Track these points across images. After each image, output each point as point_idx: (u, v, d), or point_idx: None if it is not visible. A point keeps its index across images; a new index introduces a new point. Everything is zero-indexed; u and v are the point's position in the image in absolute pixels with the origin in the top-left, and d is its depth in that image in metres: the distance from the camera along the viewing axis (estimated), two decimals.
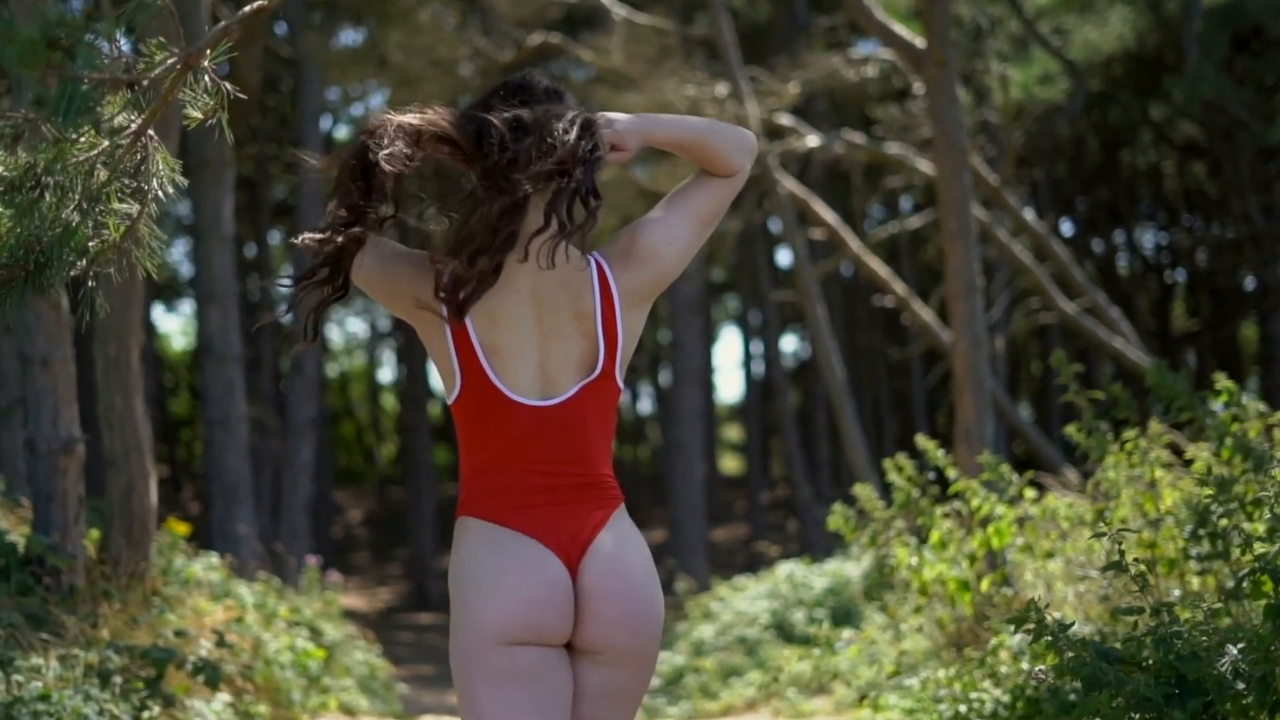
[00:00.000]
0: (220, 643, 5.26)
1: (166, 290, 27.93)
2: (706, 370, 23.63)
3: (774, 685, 5.58)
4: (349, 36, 18.22)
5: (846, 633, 5.35)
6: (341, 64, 15.41)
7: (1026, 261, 12.11)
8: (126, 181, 2.12)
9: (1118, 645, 4.44)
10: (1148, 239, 26.73)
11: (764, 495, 24.72)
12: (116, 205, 2.15)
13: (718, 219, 2.80)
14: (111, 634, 4.87)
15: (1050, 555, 4.77)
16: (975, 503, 5.11)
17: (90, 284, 2.29)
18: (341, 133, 29.20)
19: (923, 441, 5.47)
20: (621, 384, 2.71)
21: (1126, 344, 12.07)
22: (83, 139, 2.05)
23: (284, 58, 20.74)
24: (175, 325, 35.45)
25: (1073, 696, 3.53)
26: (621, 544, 2.60)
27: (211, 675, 4.78)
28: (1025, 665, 4.37)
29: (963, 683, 4.70)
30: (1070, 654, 3.13)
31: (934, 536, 5.00)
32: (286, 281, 2.54)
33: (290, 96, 22.76)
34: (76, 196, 2.05)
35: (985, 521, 5.07)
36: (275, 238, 25.93)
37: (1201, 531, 3.92)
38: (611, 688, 2.60)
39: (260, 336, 22.17)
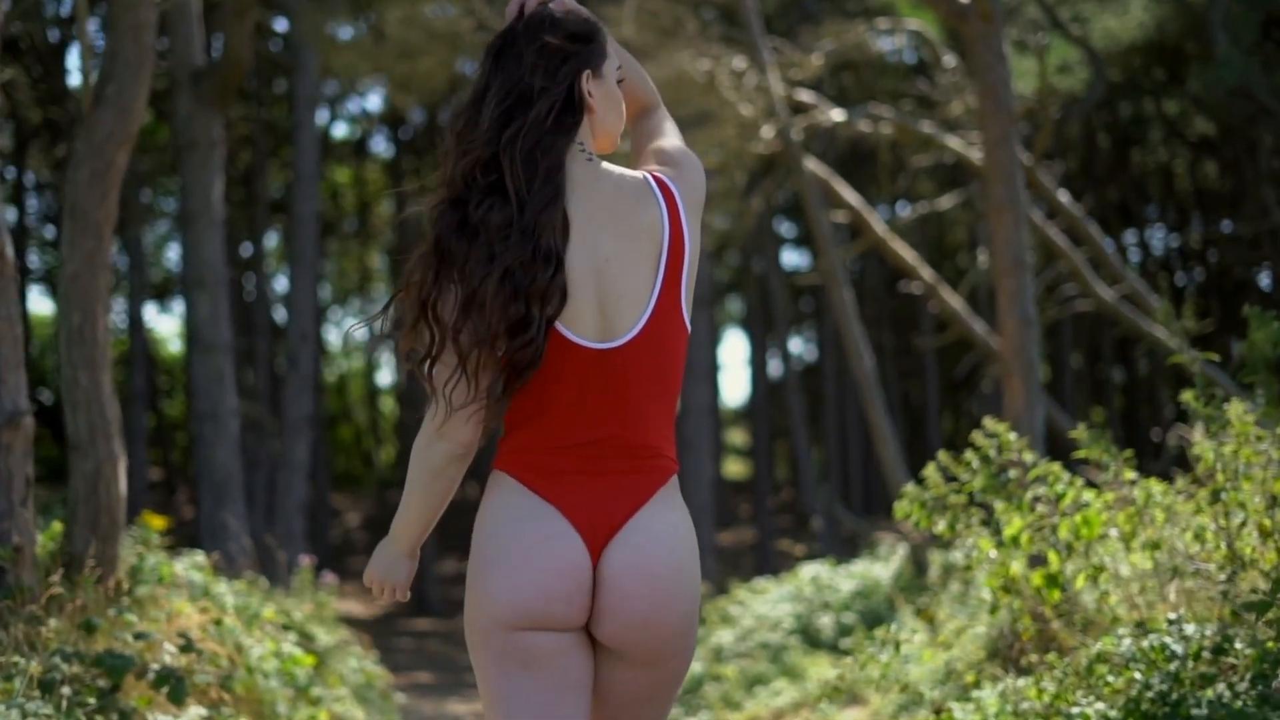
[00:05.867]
0: (186, 648, 4.55)
1: (159, 287, 27.31)
2: (713, 369, 23.02)
3: (837, 686, 4.89)
4: (347, 32, 17.67)
5: (919, 636, 4.69)
6: (339, 48, 14.78)
7: (1062, 245, 11.44)
8: None
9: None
10: (1157, 239, 26.27)
11: (769, 499, 24.11)
12: None
13: None
14: (62, 639, 4.20)
15: (1156, 546, 4.09)
16: (1059, 487, 4.44)
17: None
18: (340, 129, 28.82)
19: (992, 424, 4.78)
20: (689, 322, 2.46)
21: (1167, 332, 11.39)
22: None
23: (274, 58, 20.18)
24: (171, 326, 34.70)
25: None
26: (655, 531, 2.39)
27: (176, 687, 4.09)
28: (1138, 675, 3.70)
29: (1052, 694, 4.03)
30: None
31: (1014, 525, 4.32)
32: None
33: (286, 94, 22.16)
34: None
35: (1072, 509, 4.40)
36: (272, 237, 25.32)
37: None
38: (637, 689, 2.43)
39: (252, 327, 21.52)
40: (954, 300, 11.30)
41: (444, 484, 2.44)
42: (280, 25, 19.77)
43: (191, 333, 11.69)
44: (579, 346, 2.37)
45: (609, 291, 2.38)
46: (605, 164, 2.48)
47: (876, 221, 11.66)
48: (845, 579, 10.21)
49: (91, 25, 17.64)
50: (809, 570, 10.71)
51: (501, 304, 2.32)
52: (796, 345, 31.63)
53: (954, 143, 11.35)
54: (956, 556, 9.19)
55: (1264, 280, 23.62)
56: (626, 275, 2.39)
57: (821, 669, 8.50)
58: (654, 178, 2.49)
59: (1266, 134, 19.67)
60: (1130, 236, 25.15)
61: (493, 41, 2.52)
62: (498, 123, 2.40)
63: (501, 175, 2.38)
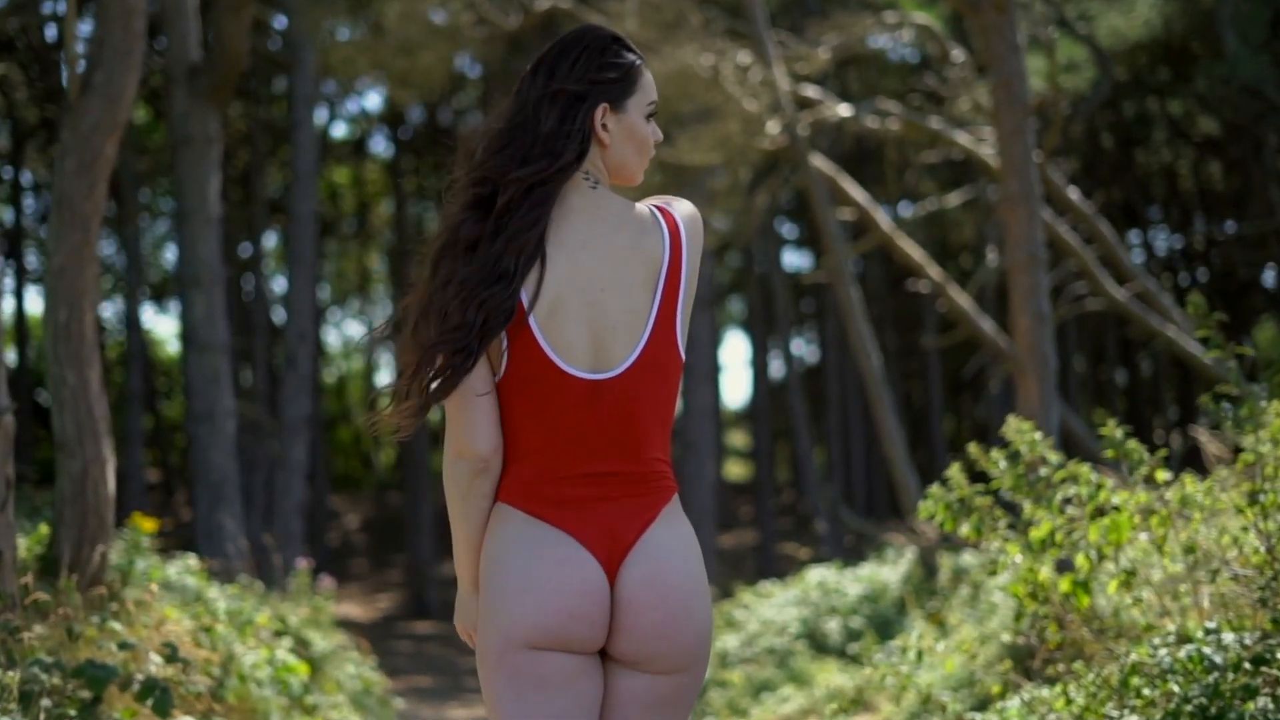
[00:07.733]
0: (172, 657, 4.35)
1: (157, 287, 27.11)
2: (715, 370, 22.82)
3: (854, 699, 4.70)
4: (346, 33, 17.53)
5: (941, 644, 4.50)
6: (337, 43, 14.60)
7: (1073, 243, 11.25)
8: None
9: None
10: (1161, 239, 26.11)
11: (771, 501, 23.92)
12: None
13: None
14: (43, 648, 4.00)
15: (1191, 550, 3.91)
16: (1085, 489, 4.24)
17: None
18: (339, 129, 28.60)
19: (1014, 423, 4.57)
20: (683, 352, 2.48)
21: (1180, 332, 11.21)
22: None
23: (273, 56, 20.00)
24: (169, 327, 34.49)
25: None
26: (665, 548, 2.43)
27: (161, 698, 3.90)
28: (1175, 687, 3.51)
29: (1081, 705, 3.84)
30: None
31: (1044, 526, 4.13)
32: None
33: (285, 93, 21.97)
34: None
35: (1100, 511, 4.20)
36: (270, 237, 25.14)
37: None
38: (653, 696, 2.43)
39: (251, 327, 21.33)
40: (962, 299, 11.11)
41: (476, 503, 2.44)
42: (279, 22, 19.59)
43: (188, 332, 11.50)
44: (573, 378, 2.38)
45: (604, 322, 2.38)
46: (609, 193, 2.48)
47: (883, 219, 11.47)
48: (852, 582, 10.01)
49: (86, 27, 17.48)
50: (815, 574, 10.51)
51: (455, 313, 2.35)
52: (798, 346, 31.44)
53: (963, 138, 11.16)
54: (967, 559, 8.99)
55: (1269, 280, 23.44)
56: (622, 305, 2.39)
57: (829, 675, 8.30)
58: (657, 208, 2.50)
59: (1273, 133, 19.52)
60: (1134, 237, 24.99)
61: (525, 70, 2.54)
62: (496, 144, 2.43)
63: (489, 194, 2.41)
